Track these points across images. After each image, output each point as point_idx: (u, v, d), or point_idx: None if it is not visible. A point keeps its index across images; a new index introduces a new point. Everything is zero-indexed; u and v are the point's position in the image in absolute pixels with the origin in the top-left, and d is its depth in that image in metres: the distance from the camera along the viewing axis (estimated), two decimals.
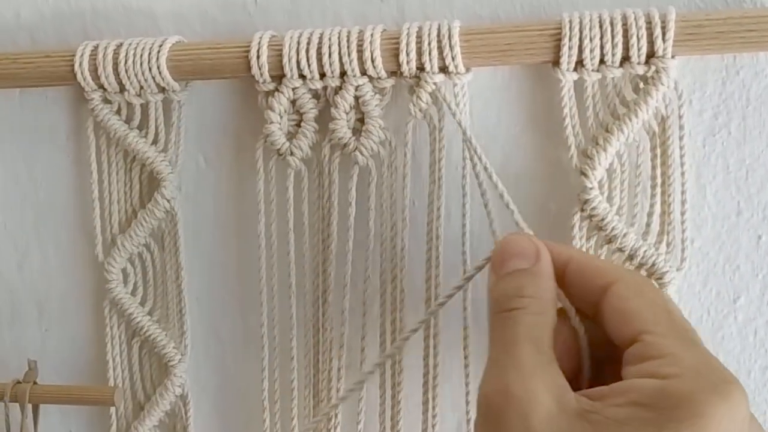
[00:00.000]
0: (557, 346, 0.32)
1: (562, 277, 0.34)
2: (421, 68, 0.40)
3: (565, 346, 0.33)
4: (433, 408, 0.42)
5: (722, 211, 0.41)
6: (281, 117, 0.42)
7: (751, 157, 0.40)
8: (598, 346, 0.33)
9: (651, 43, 0.37)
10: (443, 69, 0.39)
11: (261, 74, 0.41)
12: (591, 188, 0.39)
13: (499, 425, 0.30)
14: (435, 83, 0.39)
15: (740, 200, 0.41)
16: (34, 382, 0.47)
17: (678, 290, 0.41)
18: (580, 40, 0.38)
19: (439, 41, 0.39)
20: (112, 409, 0.48)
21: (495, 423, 0.30)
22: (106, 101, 0.45)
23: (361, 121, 0.42)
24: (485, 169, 0.38)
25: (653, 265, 0.39)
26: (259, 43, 0.41)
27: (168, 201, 0.45)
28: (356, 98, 0.41)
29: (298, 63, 0.40)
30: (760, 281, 0.41)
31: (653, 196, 0.40)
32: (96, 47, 0.43)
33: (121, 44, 0.43)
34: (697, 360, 0.30)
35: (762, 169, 0.40)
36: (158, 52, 0.42)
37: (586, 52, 0.38)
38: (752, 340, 0.42)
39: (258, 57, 0.41)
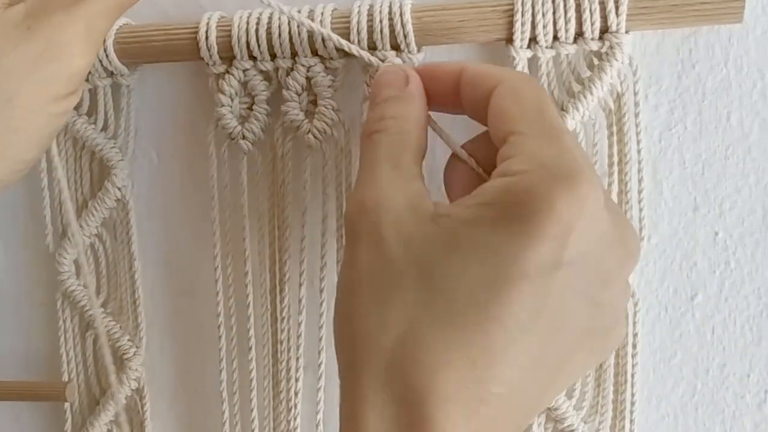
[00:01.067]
0: (459, 182, 0.33)
1: (457, 90, 0.34)
2: (373, 47, 0.39)
3: (469, 181, 0.33)
4: None
5: (679, 207, 0.40)
6: (232, 100, 0.41)
7: (707, 152, 0.40)
8: None
9: (604, 18, 0.37)
10: (395, 48, 0.39)
11: (210, 56, 0.40)
12: None
13: (355, 238, 0.31)
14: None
15: (697, 196, 0.40)
16: None
17: (636, 286, 0.40)
18: (533, 15, 0.37)
19: (391, 19, 0.38)
20: (67, 405, 0.46)
21: (351, 237, 0.31)
22: None
23: (314, 103, 0.41)
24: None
25: None
26: (208, 23, 0.40)
27: (119, 189, 0.44)
28: (308, 79, 0.40)
29: (248, 43, 0.40)
30: (717, 278, 0.41)
31: (610, 174, 0.39)
32: None
33: None
34: (551, 155, 0.29)
35: (718, 164, 0.40)
36: None
37: (539, 29, 0.37)
38: (710, 337, 0.41)
39: (207, 38, 0.40)
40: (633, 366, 0.40)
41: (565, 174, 0.28)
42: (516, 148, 0.30)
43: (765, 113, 0.39)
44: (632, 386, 0.40)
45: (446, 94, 0.34)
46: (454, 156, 0.35)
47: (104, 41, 0.37)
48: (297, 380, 0.42)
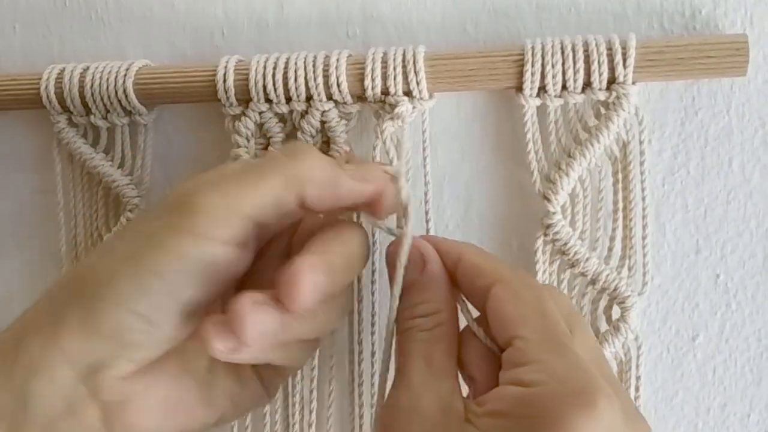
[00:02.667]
0: (476, 361, 0.32)
1: (454, 277, 0.34)
2: (385, 93, 0.40)
3: (484, 360, 0.33)
4: None
5: (681, 250, 0.41)
6: (248, 141, 0.42)
7: (709, 197, 0.41)
8: None
9: (612, 69, 0.38)
10: (407, 94, 0.40)
11: (227, 98, 0.41)
12: (554, 213, 0.39)
13: None
14: (401, 109, 0.40)
15: (699, 239, 0.41)
16: None
17: (638, 327, 0.41)
18: (543, 66, 0.38)
19: (404, 66, 0.39)
20: None
21: None
22: (72, 124, 0.44)
23: (327, 144, 0.42)
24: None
25: (615, 289, 0.39)
26: (226, 66, 0.41)
27: (130, 211, 0.45)
28: (322, 123, 0.41)
29: (265, 87, 0.41)
30: (719, 319, 0.41)
31: (615, 220, 0.40)
32: (62, 70, 0.43)
33: (88, 67, 0.43)
34: (564, 367, 0.29)
35: (720, 208, 0.41)
36: (125, 75, 0.42)
37: (549, 78, 0.38)
38: (711, 377, 0.42)
39: (224, 81, 0.41)
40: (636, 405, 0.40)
41: (580, 389, 0.28)
42: (524, 355, 0.30)
43: (766, 159, 0.40)
44: None
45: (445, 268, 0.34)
46: (468, 331, 0.34)
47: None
48: (311, 411, 0.43)
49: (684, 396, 0.42)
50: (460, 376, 0.33)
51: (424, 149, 0.41)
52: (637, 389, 0.40)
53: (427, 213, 0.41)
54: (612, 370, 0.33)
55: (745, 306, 0.41)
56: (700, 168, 0.41)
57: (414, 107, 0.40)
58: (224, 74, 0.41)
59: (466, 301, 0.34)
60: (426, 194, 0.41)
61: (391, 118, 0.39)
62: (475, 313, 0.34)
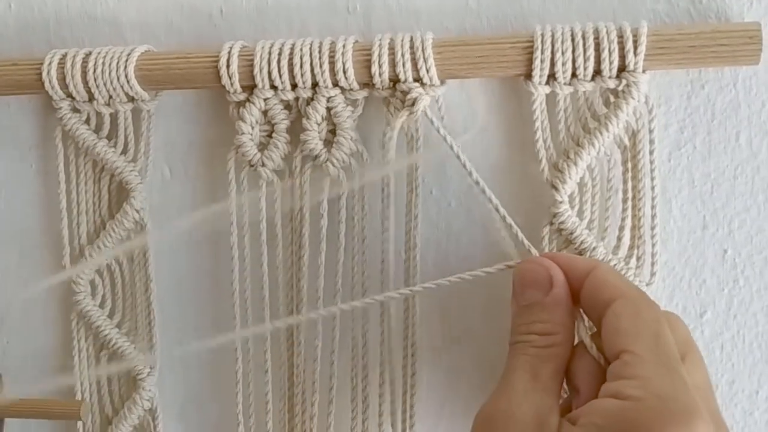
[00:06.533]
0: (583, 374, 0.33)
1: (580, 284, 0.34)
2: (394, 80, 0.39)
3: (591, 374, 0.33)
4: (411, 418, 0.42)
5: (688, 226, 0.41)
6: (253, 128, 0.42)
7: (716, 172, 0.40)
8: None
9: (622, 57, 0.37)
10: (417, 80, 0.39)
11: (231, 84, 0.41)
12: (561, 202, 0.39)
13: None
14: (416, 95, 0.39)
15: (706, 214, 0.41)
16: None
17: None
18: (552, 53, 0.38)
19: (413, 53, 0.39)
20: (79, 424, 0.47)
21: None
22: (75, 110, 0.44)
23: (333, 132, 0.41)
24: (477, 184, 0.39)
25: None
26: (230, 53, 0.40)
27: (137, 212, 0.44)
28: (328, 109, 0.41)
29: (270, 73, 0.40)
30: (726, 296, 0.41)
31: (624, 210, 0.40)
32: (64, 55, 0.42)
33: (90, 53, 0.42)
34: (667, 386, 0.29)
35: (727, 183, 0.40)
36: (126, 60, 0.41)
37: (558, 66, 0.38)
38: (719, 354, 0.42)
39: (228, 67, 0.40)
40: None
41: (681, 410, 0.28)
42: (630, 370, 0.30)
43: None
44: None
45: (570, 285, 0.35)
46: (581, 345, 0.34)
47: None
48: (313, 404, 0.43)
49: None
50: (565, 386, 0.34)
51: (442, 135, 0.40)
52: None
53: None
54: (717, 405, 0.33)
55: (753, 282, 0.41)
56: (706, 142, 0.40)
57: (426, 94, 0.39)
58: (228, 60, 0.40)
59: (584, 316, 0.35)
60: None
61: (408, 109, 0.39)
62: (592, 330, 0.35)
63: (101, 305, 0.46)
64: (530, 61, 0.38)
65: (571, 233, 0.39)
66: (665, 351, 0.31)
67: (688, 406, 0.28)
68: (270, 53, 0.40)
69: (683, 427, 0.27)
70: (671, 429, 0.27)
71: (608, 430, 0.28)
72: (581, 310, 0.35)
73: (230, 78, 0.40)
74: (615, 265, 0.39)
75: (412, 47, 0.39)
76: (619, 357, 0.30)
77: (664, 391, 0.28)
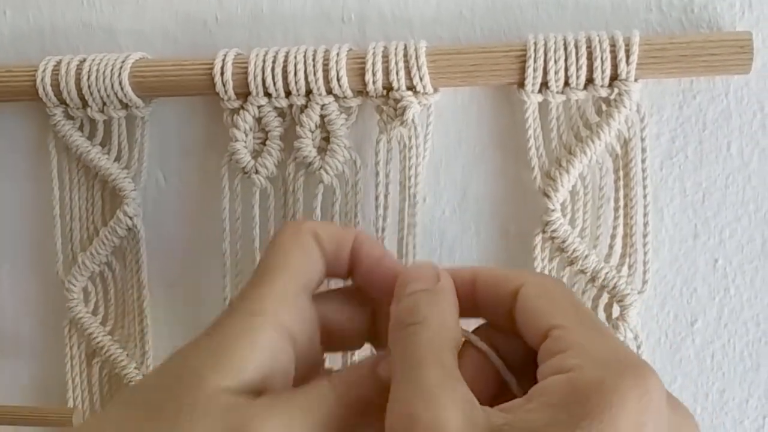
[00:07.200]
0: (473, 373, 0.31)
1: (472, 297, 0.33)
2: (388, 88, 0.40)
3: (481, 372, 0.31)
4: None
5: (679, 234, 0.41)
6: (246, 135, 0.42)
7: (707, 181, 0.41)
8: (527, 360, 0.31)
9: (614, 65, 0.38)
10: (410, 88, 0.39)
11: (226, 91, 0.41)
12: (553, 210, 0.39)
13: None
14: (407, 103, 0.39)
15: (697, 223, 0.41)
16: None
17: (638, 325, 0.40)
18: (545, 62, 0.38)
19: (406, 61, 0.39)
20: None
21: None
22: (69, 117, 0.44)
23: (327, 140, 0.41)
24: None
25: (614, 287, 0.39)
26: (224, 60, 0.40)
27: (130, 218, 0.44)
28: (322, 117, 0.41)
29: (264, 81, 0.40)
30: (717, 304, 0.41)
31: (616, 218, 0.40)
32: (59, 62, 0.42)
33: (84, 59, 0.42)
34: (604, 348, 0.28)
35: (718, 192, 0.41)
36: (120, 67, 0.41)
37: (551, 74, 0.38)
38: (709, 362, 0.42)
39: (222, 74, 0.40)
40: None
41: (631, 366, 0.27)
42: (563, 342, 0.28)
43: (764, 143, 0.40)
44: None
45: (459, 300, 0.33)
46: (468, 343, 0.32)
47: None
48: None
49: (682, 381, 0.42)
50: None
51: (426, 141, 0.40)
52: None
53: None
54: None
55: (743, 291, 0.41)
56: (698, 152, 0.41)
57: (419, 102, 0.39)
58: (222, 67, 0.40)
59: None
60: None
61: (400, 117, 0.39)
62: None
63: (94, 312, 0.46)
64: (523, 70, 0.38)
65: (563, 241, 0.40)
66: (588, 317, 0.30)
67: (636, 362, 0.27)
68: (264, 61, 0.40)
69: (637, 381, 0.27)
70: (622, 386, 0.26)
71: (563, 405, 0.27)
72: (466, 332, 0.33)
73: (224, 85, 0.41)
74: (607, 273, 0.39)
75: (405, 55, 0.39)
76: (547, 336, 0.29)
77: (603, 354, 0.28)
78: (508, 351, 0.32)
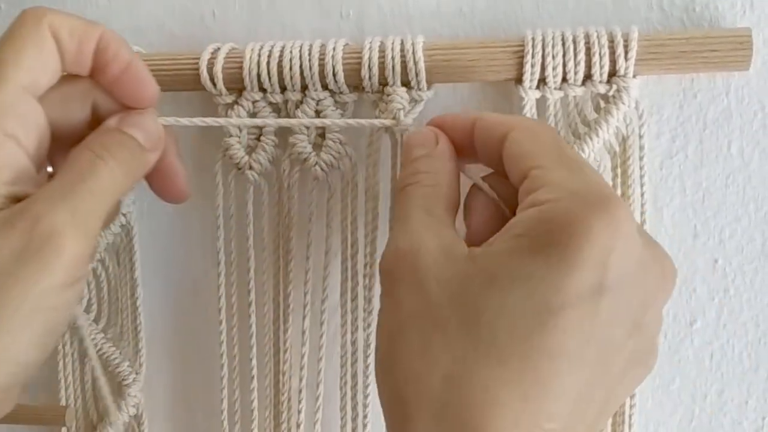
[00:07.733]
0: (480, 215, 0.33)
1: (471, 140, 0.34)
2: (383, 83, 0.39)
3: (489, 214, 0.33)
4: None
5: (679, 234, 0.41)
6: (240, 130, 0.41)
7: (707, 181, 0.40)
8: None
9: (613, 61, 0.37)
10: (406, 84, 0.39)
11: (215, 86, 0.40)
12: None
13: (393, 284, 0.31)
14: (401, 99, 0.39)
15: (697, 223, 0.41)
16: None
17: None
18: (543, 57, 0.38)
19: (403, 57, 0.38)
20: (64, 430, 0.46)
21: (390, 283, 0.31)
22: None
23: (322, 135, 0.41)
24: None
25: None
26: (213, 54, 0.40)
27: (123, 215, 0.44)
28: (317, 112, 0.40)
29: (259, 75, 0.40)
30: (716, 305, 0.41)
31: None
32: None
33: None
34: (578, 182, 0.29)
35: (718, 192, 0.40)
36: None
37: (549, 70, 0.38)
38: (708, 363, 0.41)
39: (211, 69, 0.40)
40: None
41: (599, 198, 0.28)
42: (540, 180, 0.30)
43: (765, 143, 0.40)
44: (631, 411, 0.40)
45: (461, 144, 0.35)
46: (475, 186, 0.34)
47: (102, 223, 0.32)
48: (299, 412, 0.42)
49: (681, 382, 0.42)
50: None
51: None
52: None
53: None
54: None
55: (743, 291, 0.41)
56: (698, 151, 0.40)
57: (412, 99, 0.39)
58: (210, 62, 0.40)
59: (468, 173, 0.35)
60: None
61: (393, 118, 0.39)
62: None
63: (87, 309, 0.46)
64: (521, 66, 0.38)
65: None
66: (570, 157, 0.31)
67: (604, 194, 0.28)
68: (259, 55, 0.40)
69: (604, 211, 0.27)
70: (592, 215, 0.27)
71: (532, 236, 0.28)
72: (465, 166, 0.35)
73: (213, 80, 0.40)
74: None
75: (402, 50, 0.38)
76: (528, 175, 0.30)
77: (577, 187, 0.29)
78: (511, 195, 0.32)
